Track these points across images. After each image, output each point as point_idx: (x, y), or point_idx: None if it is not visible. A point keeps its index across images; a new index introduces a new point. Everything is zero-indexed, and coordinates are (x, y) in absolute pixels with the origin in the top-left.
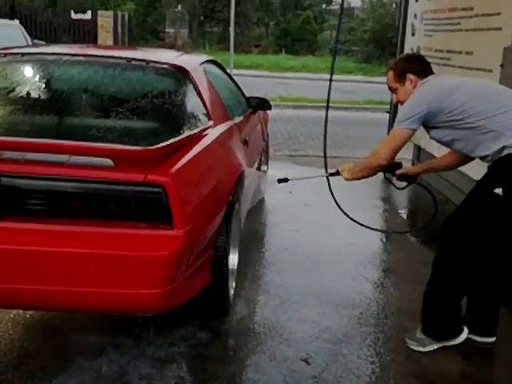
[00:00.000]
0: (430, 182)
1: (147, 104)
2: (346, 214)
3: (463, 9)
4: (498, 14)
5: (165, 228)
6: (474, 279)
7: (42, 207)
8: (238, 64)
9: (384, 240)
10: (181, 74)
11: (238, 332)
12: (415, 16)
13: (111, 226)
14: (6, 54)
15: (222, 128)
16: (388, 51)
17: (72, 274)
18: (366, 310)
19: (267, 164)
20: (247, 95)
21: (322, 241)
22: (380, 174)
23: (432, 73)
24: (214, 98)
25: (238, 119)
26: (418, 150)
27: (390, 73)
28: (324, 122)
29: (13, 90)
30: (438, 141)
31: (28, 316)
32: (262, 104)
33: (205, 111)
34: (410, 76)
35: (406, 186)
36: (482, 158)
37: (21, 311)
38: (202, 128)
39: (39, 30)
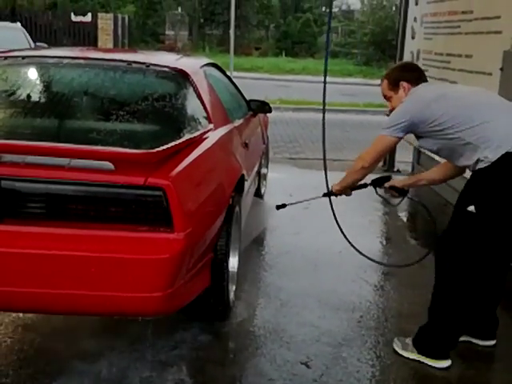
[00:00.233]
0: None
1: (147, 107)
2: (350, 242)
3: (463, 12)
4: (498, 17)
5: (165, 231)
6: (473, 287)
7: (42, 210)
8: (238, 66)
9: (384, 243)
10: (181, 77)
11: (238, 335)
12: (415, 19)
13: (111, 229)
14: (6, 57)
15: (222, 131)
16: (388, 54)
17: (72, 277)
18: (366, 313)
19: (267, 167)
20: (247, 98)
21: (322, 244)
22: (374, 176)
23: (425, 80)
24: (215, 101)
25: (238, 122)
26: (418, 153)
27: (385, 82)
28: (322, 135)
29: (13, 92)
30: (426, 149)
31: (27, 319)
32: (263, 107)
33: (205, 114)
34: (404, 84)
35: (400, 202)
36: (469, 168)
37: (20, 314)
38: (202, 131)
39: (39, 33)
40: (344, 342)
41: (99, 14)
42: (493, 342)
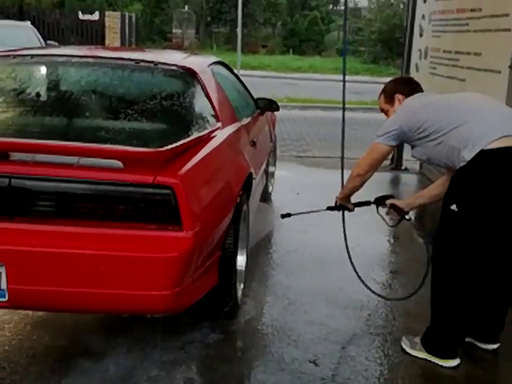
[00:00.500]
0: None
1: (156, 106)
2: (359, 277)
3: (472, 10)
4: (507, 15)
5: (174, 229)
6: (476, 288)
7: (51, 209)
8: (245, 64)
9: (392, 241)
10: (189, 76)
11: (246, 333)
12: (423, 17)
13: (120, 227)
14: (15, 56)
15: (230, 129)
16: (395, 52)
17: (81, 275)
18: (374, 312)
19: (275, 165)
20: (254, 96)
21: (329, 242)
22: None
23: (421, 92)
24: (222, 100)
25: (245, 120)
26: None
27: (381, 96)
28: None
29: (22, 91)
30: (419, 159)
31: (37, 317)
32: (270, 105)
33: (213, 113)
34: (399, 96)
35: (397, 223)
36: None
37: (30, 312)
38: (210, 129)
39: (47, 31)
40: (352, 341)
41: (106, 13)
42: (495, 346)
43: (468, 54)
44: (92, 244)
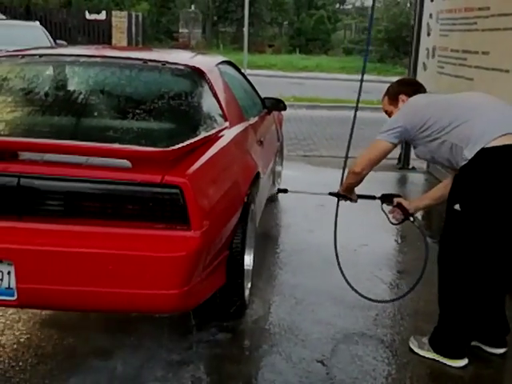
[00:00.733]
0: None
1: (164, 105)
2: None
3: (480, 8)
4: None
5: (182, 229)
6: (482, 288)
7: (60, 208)
8: (251, 64)
9: (399, 241)
10: (197, 75)
11: (254, 333)
12: (430, 15)
13: (128, 226)
14: (24, 56)
15: (237, 129)
16: (402, 51)
17: (89, 275)
18: (381, 312)
19: (282, 164)
20: (261, 95)
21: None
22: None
23: (424, 92)
24: (230, 99)
25: (253, 120)
26: None
27: (385, 98)
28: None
29: (31, 91)
30: (423, 158)
31: (45, 316)
32: (277, 104)
33: (221, 112)
34: (402, 97)
35: (400, 223)
36: None
37: (38, 311)
38: (218, 129)
39: (54, 31)
40: (360, 340)
41: (113, 12)
42: (502, 351)
43: (476, 53)
44: (100, 243)
